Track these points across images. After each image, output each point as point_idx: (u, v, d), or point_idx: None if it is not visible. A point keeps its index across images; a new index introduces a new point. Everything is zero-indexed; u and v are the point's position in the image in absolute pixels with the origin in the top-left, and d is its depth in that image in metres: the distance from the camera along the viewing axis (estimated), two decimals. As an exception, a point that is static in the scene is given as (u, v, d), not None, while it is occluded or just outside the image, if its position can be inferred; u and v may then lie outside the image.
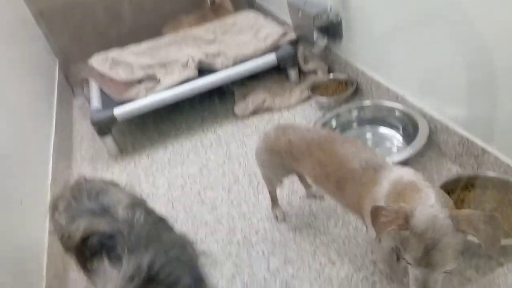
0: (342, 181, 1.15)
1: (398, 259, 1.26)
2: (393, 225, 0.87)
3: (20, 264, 1.34)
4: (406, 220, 0.87)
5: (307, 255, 1.44)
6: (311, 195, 1.67)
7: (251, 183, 1.82)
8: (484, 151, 1.46)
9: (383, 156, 1.16)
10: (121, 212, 0.90)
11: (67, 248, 0.99)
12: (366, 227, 1.16)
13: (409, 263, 0.90)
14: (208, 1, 3.08)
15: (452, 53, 1.48)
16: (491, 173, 1.40)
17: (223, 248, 1.54)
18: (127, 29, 3.26)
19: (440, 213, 0.87)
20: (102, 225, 0.88)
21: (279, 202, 1.63)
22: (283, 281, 1.37)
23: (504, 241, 1.21)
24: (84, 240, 0.90)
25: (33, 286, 1.36)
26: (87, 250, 0.89)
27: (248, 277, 1.41)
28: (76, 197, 1.00)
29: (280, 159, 1.34)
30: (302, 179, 1.64)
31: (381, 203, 1.02)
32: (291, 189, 1.73)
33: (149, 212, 0.92)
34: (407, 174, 1.03)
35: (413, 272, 0.91)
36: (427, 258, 0.85)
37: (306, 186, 1.66)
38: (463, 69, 1.45)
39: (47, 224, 1.39)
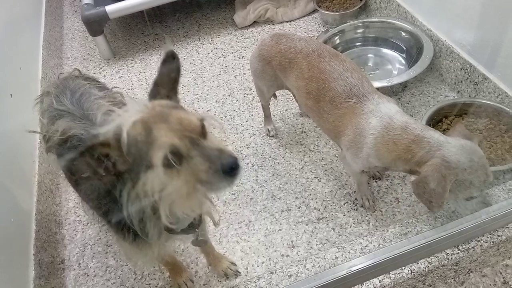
0: (322, 101, 1.12)
1: (368, 182, 1.33)
2: (449, 184, 0.89)
3: (12, 150, 1.38)
4: (452, 171, 0.89)
5: (295, 170, 1.48)
6: (305, 114, 1.66)
7: (245, 97, 1.80)
8: (485, 78, 1.43)
9: (371, 84, 1.11)
10: (99, 117, 0.87)
11: (48, 147, 0.99)
12: (341, 149, 1.18)
13: (470, 198, 0.97)
14: None
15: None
16: (486, 101, 1.39)
17: (214, 158, 1.57)
18: None
19: (460, 141, 0.92)
20: (79, 129, 0.87)
21: (273, 118, 1.63)
22: (270, 192, 1.42)
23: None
24: (63, 142, 0.89)
25: (25, 173, 1.41)
26: (66, 152, 0.89)
27: (237, 187, 1.46)
28: (59, 97, 0.97)
29: (271, 69, 1.29)
30: (294, 95, 1.62)
31: (369, 143, 1.02)
32: (285, 106, 1.72)
33: None
34: (395, 114, 1.01)
35: (472, 203, 0.99)
36: (487, 178, 0.91)
37: (299, 103, 1.64)
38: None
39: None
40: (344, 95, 1.08)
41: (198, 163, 0.64)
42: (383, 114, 1.02)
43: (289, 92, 1.68)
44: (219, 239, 1.31)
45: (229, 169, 0.65)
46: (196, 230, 0.90)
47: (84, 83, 1.04)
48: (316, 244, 1.25)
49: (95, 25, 2.01)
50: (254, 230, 1.32)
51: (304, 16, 2.18)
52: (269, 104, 1.56)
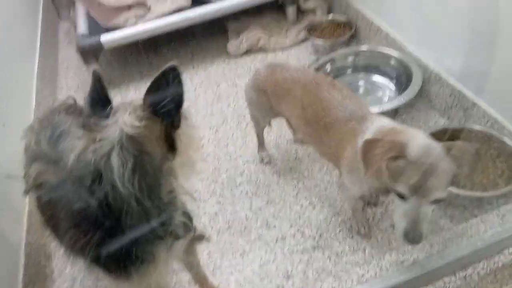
0: (322, 128, 1.14)
1: (363, 208, 1.31)
2: (389, 154, 0.88)
3: (2, 180, 1.34)
4: (401, 149, 0.88)
5: (289, 197, 1.47)
6: (298, 140, 1.67)
7: (239, 125, 1.81)
8: (474, 104, 1.46)
9: (368, 107, 1.15)
10: (71, 160, 0.79)
11: (26, 189, 0.95)
12: (341, 174, 1.17)
13: (400, 196, 0.90)
14: None
15: (455, 3, 1.41)
16: (476, 127, 1.41)
17: (208, 187, 1.56)
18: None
19: (433, 142, 0.90)
20: (50, 175, 0.85)
21: (266, 145, 1.63)
22: (264, 220, 1.41)
23: (481, 194, 1.25)
24: (37, 187, 0.87)
25: (16, 203, 1.39)
26: (40, 198, 0.87)
27: (231, 215, 1.45)
28: (39, 135, 0.95)
29: (266, 99, 1.31)
30: (290, 123, 1.63)
31: None
32: (278, 133, 1.72)
33: None
34: (387, 123, 1.04)
35: (403, 208, 0.91)
36: (423, 184, 0.87)
37: (294, 130, 1.65)
38: (465, 20, 1.40)
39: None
40: (344, 119, 1.10)
41: None
42: (376, 126, 1.04)
43: (283, 119, 1.70)
44: (213, 270, 1.28)
45: None
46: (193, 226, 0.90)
47: (66, 120, 1.00)
48: (312, 274, 1.23)
49: (90, 54, 2.03)
50: (248, 260, 1.30)
51: (296, 44, 2.23)
52: (263, 132, 1.57)
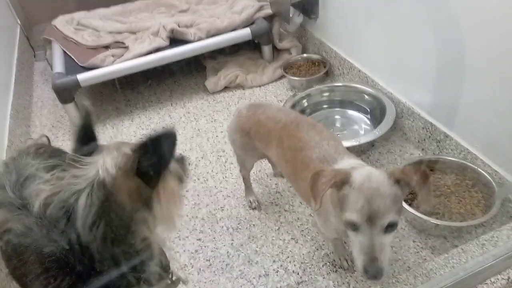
0: (298, 167, 1.14)
1: (343, 242, 1.29)
2: (332, 181, 0.88)
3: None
4: (345, 177, 0.88)
5: (271, 232, 1.45)
6: (278, 174, 1.67)
7: (219, 159, 1.80)
8: (446, 136, 1.51)
9: (344, 148, 1.15)
10: (37, 205, 0.76)
11: None
12: (313, 215, 1.17)
13: (352, 227, 0.88)
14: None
15: (423, 42, 1.50)
16: (451, 158, 1.45)
17: (187, 223, 1.52)
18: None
19: (376, 170, 0.91)
20: (15, 222, 0.80)
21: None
22: (246, 256, 1.37)
23: (460, 224, 1.27)
24: (2, 234, 0.83)
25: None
26: (5, 246, 0.83)
27: (211, 252, 1.41)
28: (3, 181, 0.90)
29: (249, 140, 1.31)
30: (271, 161, 1.63)
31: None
32: (258, 167, 1.72)
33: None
34: (352, 164, 1.03)
35: (358, 241, 0.88)
36: (370, 208, 0.84)
37: (274, 165, 1.66)
38: (432, 57, 1.47)
39: None
40: (318, 161, 1.10)
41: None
42: (342, 165, 1.04)
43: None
44: (194, 312, 1.22)
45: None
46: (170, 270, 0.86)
47: (33, 163, 0.95)
48: (297, 311, 1.19)
49: (66, 93, 2.01)
50: (231, 299, 1.25)
51: (273, 81, 2.28)
52: (249, 175, 1.54)
